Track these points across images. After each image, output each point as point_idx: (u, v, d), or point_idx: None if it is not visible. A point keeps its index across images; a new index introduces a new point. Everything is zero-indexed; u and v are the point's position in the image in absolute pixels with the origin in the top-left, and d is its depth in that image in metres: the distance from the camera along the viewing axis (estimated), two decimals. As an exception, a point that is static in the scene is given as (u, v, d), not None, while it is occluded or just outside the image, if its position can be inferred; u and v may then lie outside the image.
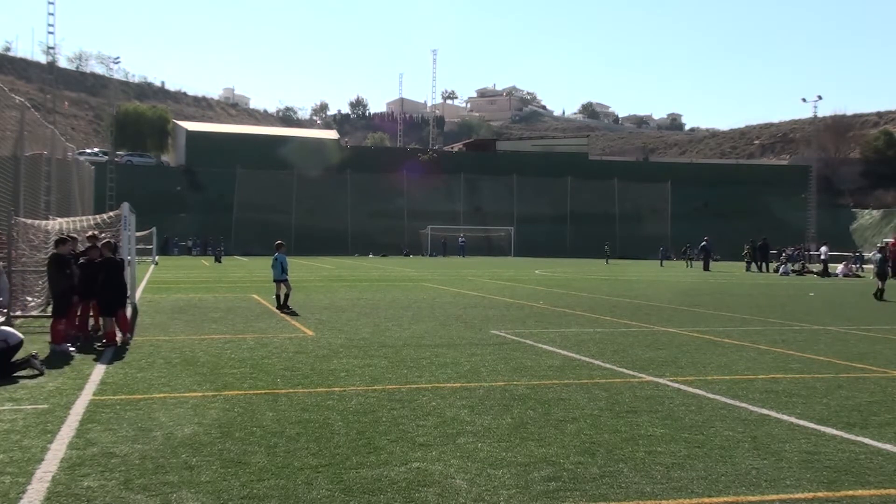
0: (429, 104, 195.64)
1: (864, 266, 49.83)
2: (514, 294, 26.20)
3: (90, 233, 16.26)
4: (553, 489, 5.92)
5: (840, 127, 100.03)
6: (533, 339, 14.38)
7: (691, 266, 54.37)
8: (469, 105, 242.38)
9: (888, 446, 7.28)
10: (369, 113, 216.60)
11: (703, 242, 52.24)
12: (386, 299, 23.38)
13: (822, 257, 46.08)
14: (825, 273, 44.64)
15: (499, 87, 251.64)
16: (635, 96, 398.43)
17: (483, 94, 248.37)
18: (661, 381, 10.45)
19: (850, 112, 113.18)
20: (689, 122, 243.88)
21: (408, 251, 71.92)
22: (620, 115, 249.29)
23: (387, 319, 17.57)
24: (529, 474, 6.26)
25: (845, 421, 8.27)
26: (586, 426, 7.86)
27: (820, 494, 5.87)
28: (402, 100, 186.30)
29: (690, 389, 9.87)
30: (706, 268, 50.10)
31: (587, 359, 12.26)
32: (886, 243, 31.00)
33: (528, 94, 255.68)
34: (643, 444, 7.22)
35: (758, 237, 53.02)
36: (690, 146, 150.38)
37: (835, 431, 7.81)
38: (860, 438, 7.54)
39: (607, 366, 11.64)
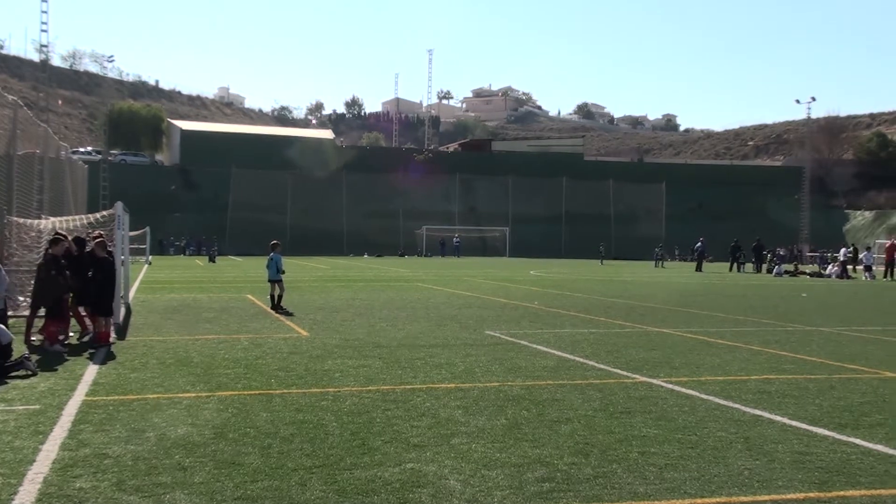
0: (424, 104, 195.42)
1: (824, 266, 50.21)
2: (509, 295, 26.23)
3: (96, 232, 16.19)
4: (547, 490, 5.93)
5: (833, 128, 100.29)
6: (527, 340, 14.39)
7: (663, 266, 54.77)
8: (465, 105, 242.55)
9: (879, 447, 7.30)
10: (365, 113, 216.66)
11: (698, 243, 52.34)
12: (381, 300, 23.38)
13: (842, 259, 46.41)
14: (845, 275, 44.87)
15: (494, 88, 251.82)
16: (631, 97, 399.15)
17: (479, 94, 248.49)
18: (654, 381, 10.47)
19: (843, 113, 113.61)
20: (683, 123, 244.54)
21: (403, 251, 71.92)
22: (616, 116, 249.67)
23: (381, 320, 17.57)
24: (523, 475, 6.27)
25: (837, 422, 8.30)
26: (580, 427, 7.87)
27: (811, 495, 5.90)
28: (397, 99, 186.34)
29: (684, 390, 9.89)
30: (699, 268, 50.20)
31: (581, 359, 12.28)
32: None
33: (524, 94, 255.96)
34: (637, 444, 7.24)
35: (751, 238, 53.23)
36: (685, 147, 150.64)
37: (826, 432, 7.84)
38: (852, 439, 7.57)
39: (601, 366, 11.65)
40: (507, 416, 8.28)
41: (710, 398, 9.40)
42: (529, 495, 5.82)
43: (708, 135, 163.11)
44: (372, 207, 76.72)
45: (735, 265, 51.17)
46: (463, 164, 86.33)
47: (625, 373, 11.13)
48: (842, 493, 5.96)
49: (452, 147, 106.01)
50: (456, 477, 6.20)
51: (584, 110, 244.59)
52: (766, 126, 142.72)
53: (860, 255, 47.69)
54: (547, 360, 12.15)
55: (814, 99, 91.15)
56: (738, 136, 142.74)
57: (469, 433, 7.55)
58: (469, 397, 9.23)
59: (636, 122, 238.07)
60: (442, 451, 6.90)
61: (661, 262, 56.99)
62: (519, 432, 7.63)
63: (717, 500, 5.79)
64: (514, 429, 7.76)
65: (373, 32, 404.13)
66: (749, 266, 51.85)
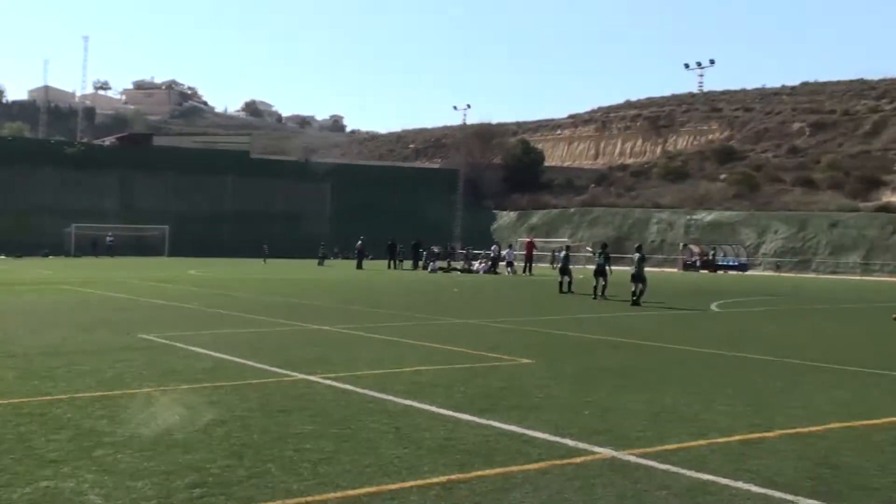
0: (78, 94, 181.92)
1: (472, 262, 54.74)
2: (167, 296, 25.15)
3: None
4: (197, 496, 5.74)
5: (485, 134, 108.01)
6: (184, 342, 13.86)
7: (323, 264, 56.28)
8: (124, 97, 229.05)
9: (513, 427, 7.95)
10: (7, 100, 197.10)
11: (359, 242, 53.97)
12: (18, 304, 21.30)
13: (492, 255, 50.15)
14: (492, 270, 48.71)
15: (157, 80, 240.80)
16: (299, 96, 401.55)
17: (140, 86, 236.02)
18: (312, 378, 10.57)
19: (494, 121, 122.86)
20: (350, 125, 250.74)
21: (48, 251, 66.13)
22: (284, 115, 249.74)
23: (18, 326, 15.93)
24: (172, 483, 6.01)
25: (479, 407, 8.90)
26: (236, 428, 7.72)
27: (453, 477, 6.26)
28: (46, 88, 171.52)
29: (341, 385, 10.09)
30: (360, 266, 51.77)
31: (240, 360, 12.06)
32: (568, 246, 35.00)
33: (189, 88, 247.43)
34: (292, 442, 7.25)
35: (412, 236, 55.94)
36: (351, 148, 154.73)
37: (469, 417, 8.38)
38: (491, 422, 8.16)
39: (260, 366, 11.54)
40: (159, 423, 7.89)
41: (366, 391, 9.68)
42: (178, 502, 5.60)
43: (373, 137, 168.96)
44: (11, 204, 69.86)
45: (393, 262, 53.45)
46: (120, 159, 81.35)
47: (284, 371, 11.11)
48: (479, 472, 6.39)
49: (109, 140, 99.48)
50: (97, 491, 5.79)
51: (252, 108, 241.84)
52: (426, 130, 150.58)
53: (502, 252, 51.98)
54: (204, 363, 11.79)
55: (469, 106, 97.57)
56: (400, 139, 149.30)
57: (114, 443, 7.09)
58: (117, 405, 8.68)
59: (304, 122, 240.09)
60: (82, 465, 6.41)
61: (324, 261, 58.05)
62: (170, 438, 7.30)
63: (368, 489, 5.95)
64: (165, 435, 7.42)
65: (19, 13, 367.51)
66: (407, 263, 54.39)
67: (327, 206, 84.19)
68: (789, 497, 5.93)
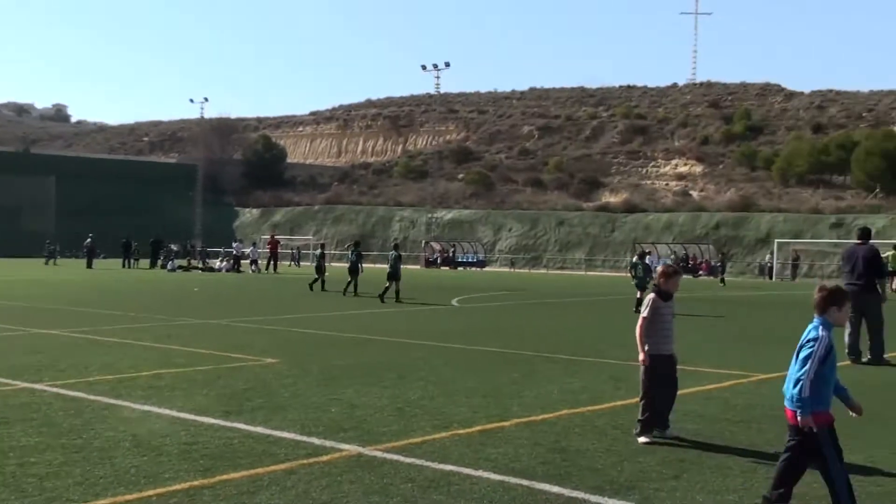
0: None
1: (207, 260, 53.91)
2: None
3: None
4: None
5: (224, 129, 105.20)
6: None
7: (55, 264, 52.85)
8: None
9: (259, 429, 7.80)
10: None
11: (88, 240, 50.89)
12: None
13: (252, 256, 48.98)
14: (235, 268, 47.76)
15: None
16: (15, 82, 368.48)
17: None
18: (37, 386, 9.79)
19: (233, 115, 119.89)
20: (75, 115, 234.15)
21: None
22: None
23: None
24: None
25: (223, 409, 8.66)
26: (-55, 446, 6.98)
27: (196, 483, 6.04)
28: None
29: (70, 393, 9.43)
30: (90, 265, 48.81)
31: (-50, 370, 10.92)
32: (322, 244, 35.05)
33: None
34: (15, 456, 6.68)
35: (149, 234, 53.33)
36: (77, 139, 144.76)
37: (213, 420, 8.12)
38: (236, 424, 7.96)
39: (-25, 375, 10.51)
40: None
41: (99, 398, 9.11)
42: None
43: (101, 128, 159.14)
44: None
45: (128, 261, 50.87)
46: None
47: (3, 380, 10.19)
48: (224, 476, 6.21)
49: None
50: None
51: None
52: (161, 123, 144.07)
53: (247, 250, 51.00)
54: None
55: (206, 100, 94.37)
56: (132, 132, 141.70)
57: None
58: None
59: (22, 110, 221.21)
60: None
61: (52, 260, 54.21)
62: None
63: (102, 502, 5.62)
64: None
65: None
66: (143, 262, 51.90)
67: (52, 200, 78.27)
68: (525, 482, 6.28)
